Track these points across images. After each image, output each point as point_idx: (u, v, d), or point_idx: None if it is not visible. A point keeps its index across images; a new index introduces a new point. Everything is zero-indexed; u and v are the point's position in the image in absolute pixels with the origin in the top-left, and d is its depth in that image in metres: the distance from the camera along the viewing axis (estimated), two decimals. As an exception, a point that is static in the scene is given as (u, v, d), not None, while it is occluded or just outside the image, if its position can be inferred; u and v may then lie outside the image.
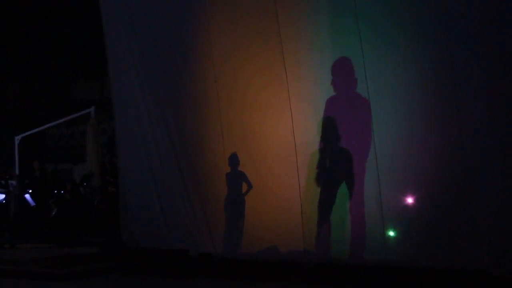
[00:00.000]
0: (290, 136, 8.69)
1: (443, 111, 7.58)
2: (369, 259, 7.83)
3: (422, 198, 7.69)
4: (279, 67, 8.74)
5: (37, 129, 15.56)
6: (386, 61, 7.93)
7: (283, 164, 8.77)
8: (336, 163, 8.47)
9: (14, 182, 12.72)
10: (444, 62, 7.56)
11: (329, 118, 8.43)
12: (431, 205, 7.59)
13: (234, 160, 9.33)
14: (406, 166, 7.81)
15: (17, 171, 13.82)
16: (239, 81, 9.24)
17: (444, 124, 7.56)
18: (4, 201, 12.55)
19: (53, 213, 11.85)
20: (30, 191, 12.84)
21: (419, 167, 7.70)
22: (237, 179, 9.32)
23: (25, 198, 12.86)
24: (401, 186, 7.87)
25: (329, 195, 8.39)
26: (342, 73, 8.30)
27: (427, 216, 7.60)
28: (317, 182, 8.51)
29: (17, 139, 14.41)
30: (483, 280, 6.86)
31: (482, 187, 7.26)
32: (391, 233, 7.91)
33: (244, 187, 9.24)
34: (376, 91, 7.99)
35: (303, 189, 8.60)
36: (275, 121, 8.88)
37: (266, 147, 9.02)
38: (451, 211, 7.42)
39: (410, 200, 7.77)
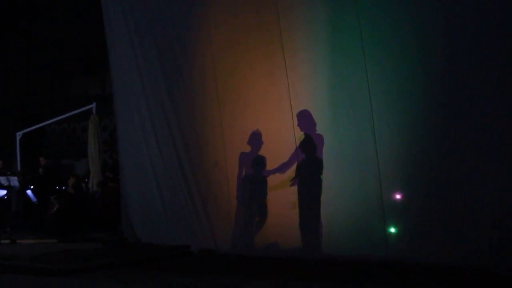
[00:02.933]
0: (290, 130, 8.73)
1: (444, 106, 7.59)
2: (370, 255, 7.84)
3: (422, 194, 7.70)
4: (279, 61, 8.76)
5: (38, 125, 15.55)
6: (387, 54, 7.94)
7: (285, 159, 8.83)
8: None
9: (15, 178, 12.72)
10: (445, 56, 7.58)
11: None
12: (431, 200, 7.60)
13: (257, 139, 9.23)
14: (407, 162, 7.83)
15: (18, 167, 13.82)
16: (238, 77, 9.26)
17: (445, 120, 7.56)
18: (5, 197, 12.54)
19: (55, 209, 11.86)
20: (32, 187, 12.85)
21: (420, 163, 7.71)
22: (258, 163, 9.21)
23: (26, 194, 12.87)
24: (402, 183, 7.88)
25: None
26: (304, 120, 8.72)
27: (428, 212, 7.62)
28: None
29: (19, 135, 14.39)
30: (484, 276, 6.87)
31: (483, 184, 7.27)
32: (392, 230, 7.92)
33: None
34: (376, 86, 8.00)
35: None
36: (275, 116, 8.90)
37: (266, 143, 9.04)
38: (452, 207, 7.44)
39: (399, 196, 7.83)
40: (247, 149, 9.25)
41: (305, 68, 8.72)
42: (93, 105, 13.06)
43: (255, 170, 9.20)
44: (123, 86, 10.82)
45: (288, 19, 8.80)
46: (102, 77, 20.31)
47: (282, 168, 8.95)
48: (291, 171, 8.85)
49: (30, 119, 18.52)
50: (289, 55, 8.76)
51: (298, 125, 8.74)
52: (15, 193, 13.32)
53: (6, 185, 11.96)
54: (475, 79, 7.41)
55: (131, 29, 10.43)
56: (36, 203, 12.79)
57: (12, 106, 22.05)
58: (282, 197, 8.88)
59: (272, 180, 9.08)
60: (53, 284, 7.52)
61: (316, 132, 8.68)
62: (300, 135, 8.79)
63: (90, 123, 12.92)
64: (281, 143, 8.87)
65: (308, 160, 8.72)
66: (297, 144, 8.77)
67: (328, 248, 8.31)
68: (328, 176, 8.52)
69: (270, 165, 9.08)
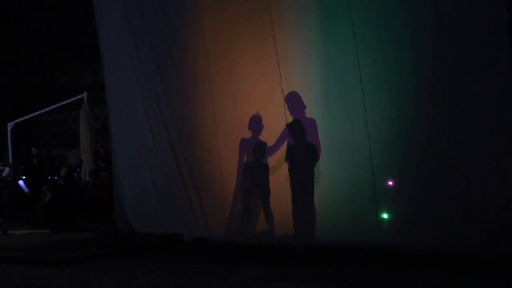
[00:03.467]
0: (282, 116, 8.77)
1: (436, 94, 7.60)
2: (363, 241, 7.87)
3: (414, 180, 7.72)
4: (270, 48, 8.76)
5: (29, 116, 15.48)
6: (379, 43, 7.95)
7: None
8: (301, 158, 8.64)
9: (7, 169, 12.67)
10: (436, 45, 7.59)
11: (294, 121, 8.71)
12: (424, 186, 7.62)
13: (257, 123, 9.10)
14: (399, 148, 7.84)
15: (10, 158, 13.76)
16: (230, 64, 9.23)
17: (437, 106, 7.58)
18: (-3, 188, 12.53)
19: (47, 199, 11.83)
20: (24, 177, 12.81)
21: (412, 149, 7.73)
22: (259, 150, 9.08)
23: (18, 185, 12.84)
24: (394, 169, 7.91)
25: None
26: (293, 103, 8.69)
27: (420, 198, 7.64)
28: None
29: (10, 125, 14.33)
30: (475, 261, 6.92)
31: (475, 168, 7.30)
32: (385, 216, 7.95)
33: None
34: (368, 73, 8.01)
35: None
36: (267, 103, 8.91)
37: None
38: (444, 193, 7.46)
39: (391, 182, 7.86)
40: (244, 135, 9.17)
41: (297, 55, 8.71)
42: (85, 95, 13.01)
43: (256, 156, 9.07)
44: (115, 75, 10.78)
45: (279, 6, 8.77)
46: (93, 66, 20.22)
47: (269, 151, 8.95)
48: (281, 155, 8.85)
49: (21, 109, 18.42)
50: (281, 42, 8.75)
51: (288, 108, 8.72)
52: (6, 184, 13.26)
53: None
54: (466, 68, 7.44)
55: (122, 17, 10.37)
56: (28, 193, 12.75)
57: (3, 97, 21.94)
58: (272, 184, 8.88)
59: None
60: (47, 274, 7.52)
61: (306, 116, 8.66)
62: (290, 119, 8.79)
63: (81, 112, 12.88)
64: (272, 129, 8.87)
65: (298, 145, 8.69)
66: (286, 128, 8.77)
67: (321, 235, 8.32)
68: (320, 163, 8.53)
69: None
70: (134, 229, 10.35)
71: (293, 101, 8.70)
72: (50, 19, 21.34)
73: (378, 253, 7.54)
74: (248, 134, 9.10)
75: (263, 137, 9.03)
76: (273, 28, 8.74)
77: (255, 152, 9.06)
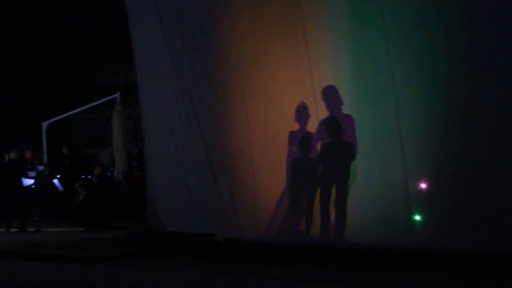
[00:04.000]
0: (314, 117, 8.74)
1: (469, 94, 7.52)
2: (395, 243, 7.80)
3: (448, 181, 7.64)
4: (302, 49, 8.76)
5: (63, 115, 15.73)
6: (410, 43, 7.88)
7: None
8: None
9: (42, 167, 12.88)
10: (468, 44, 7.51)
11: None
12: (457, 188, 7.53)
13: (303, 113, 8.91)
14: (432, 149, 7.77)
15: (45, 157, 14.00)
16: (262, 64, 9.22)
17: (470, 107, 7.48)
18: (33, 186, 12.71)
19: (81, 198, 12.00)
20: (59, 176, 13.01)
21: (445, 150, 7.65)
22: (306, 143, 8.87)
23: (53, 183, 13.04)
24: (427, 170, 7.83)
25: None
26: (330, 97, 8.58)
27: (454, 199, 7.56)
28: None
29: (45, 125, 14.59)
30: (510, 263, 6.80)
31: (509, 170, 7.19)
32: (417, 218, 7.87)
33: None
34: (400, 74, 7.94)
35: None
36: (297, 102, 8.87)
37: (288, 129, 9.01)
38: (478, 194, 7.37)
39: (425, 185, 7.77)
40: (271, 135, 9.17)
41: (329, 55, 8.67)
42: (117, 95, 13.18)
43: (302, 151, 8.94)
44: (148, 75, 10.86)
45: (311, 8, 8.74)
46: (125, 66, 20.43)
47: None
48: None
49: (55, 109, 18.72)
50: (312, 43, 8.71)
51: (325, 102, 8.60)
52: (42, 182, 13.49)
53: (33, 176, 12.12)
54: (500, 69, 7.32)
55: (154, 18, 10.43)
56: (62, 192, 12.94)
57: (38, 96, 22.30)
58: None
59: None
60: (80, 272, 7.64)
61: (343, 113, 8.54)
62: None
63: (114, 112, 13.06)
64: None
65: (334, 144, 8.58)
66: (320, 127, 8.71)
67: (352, 236, 8.28)
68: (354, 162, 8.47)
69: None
70: (166, 229, 10.41)
71: (330, 95, 8.58)
72: (83, 20, 21.62)
73: (410, 255, 7.46)
74: (295, 127, 9.02)
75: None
76: (305, 31, 8.71)
77: (301, 147, 8.91)
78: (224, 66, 9.69)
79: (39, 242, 9.66)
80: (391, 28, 7.97)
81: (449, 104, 7.64)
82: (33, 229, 11.39)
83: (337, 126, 8.52)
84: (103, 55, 21.46)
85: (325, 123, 8.65)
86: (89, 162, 17.10)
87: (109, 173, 13.78)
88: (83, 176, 13.46)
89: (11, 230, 11.28)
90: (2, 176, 12.14)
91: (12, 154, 11.93)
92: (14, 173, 11.82)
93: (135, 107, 16.58)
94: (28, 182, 12.07)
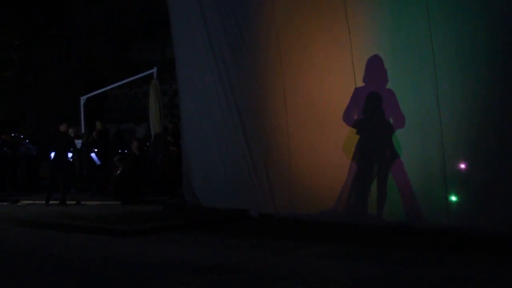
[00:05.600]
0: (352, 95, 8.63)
1: (507, 73, 7.35)
2: (431, 223, 7.74)
3: (485, 161, 7.53)
4: (343, 29, 8.60)
5: (101, 90, 15.90)
6: (454, 21, 7.71)
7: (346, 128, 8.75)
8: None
9: (79, 141, 13.05)
10: (509, 25, 7.31)
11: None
12: (494, 170, 7.42)
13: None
14: (470, 131, 7.65)
15: (82, 131, 14.19)
16: (301, 42, 9.13)
17: (509, 93, 7.32)
18: (72, 159, 12.91)
19: (118, 172, 12.15)
20: (96, 150, 13.17)
21: (482, 132, 7.52)
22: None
23: (91, 157, 13.22)
24: (464, 149, 7.72)
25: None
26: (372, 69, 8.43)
27: (490, 180, 7.45)
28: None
29: (83, 99, 14.77)
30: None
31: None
32: (454, 198, 7.79)
33: None
34: (441, 54, 7.79)
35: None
36: (339, 82, 8.78)
37: (327, 107, 8.93)
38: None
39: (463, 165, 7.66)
40: (309, 112, 9.08)
41: (369, 35, 8.52)
42: (154, 70, 13.23)
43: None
44: (185, 51, 10.85)
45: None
46: (162, 42, 20.51)
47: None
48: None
49: (93, 84, 18.94)
50: (353, 23, 8.57)
51: (365, 73, 8.49)
52: (79, 156, 13.69)
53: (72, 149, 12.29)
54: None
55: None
56: (100, 165, 13.12)
57: (75, 71, 22.59)
58: (341, 160, 8.78)
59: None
60: (116, 244, 7.81)
61: (386, 87, 8.40)
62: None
63: (151, 87, 13.12)
64: (342, 103, 8.74)
65: (374, 122, 8.52)
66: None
67: (388, 215, 8.24)
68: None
69: (332, 128, 8.89)
70: (201, 204, 10.49)
71: (375, 65, 8.43)
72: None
73: (446, 235, 7.40)
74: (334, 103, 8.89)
75: (332, 117, 8.89)
76: (346, 9, 8.57)
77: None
78: (262, 41, 9.62)
79: (79, 215, 9.84)
80: (434, 7, 7.80)
81: (489, 88, 7.50)
82: (73, 202, 11.59)
83: (378, 100, 8.42)
84: (140, 30, 21.57)
85: (366, 98, 8.56)
86: (123, 137, 17.31)
87: (145, 148, 13.91)
88: (120, 151, 13.61)
89: (51, 202, 11.48)
90: (48, 148, 12.28)
91: (62, 127, 12.06)
92: (64, 146, 11.97)
93: (171, 82, 16.68)
94: (69, 155, 12.28)
